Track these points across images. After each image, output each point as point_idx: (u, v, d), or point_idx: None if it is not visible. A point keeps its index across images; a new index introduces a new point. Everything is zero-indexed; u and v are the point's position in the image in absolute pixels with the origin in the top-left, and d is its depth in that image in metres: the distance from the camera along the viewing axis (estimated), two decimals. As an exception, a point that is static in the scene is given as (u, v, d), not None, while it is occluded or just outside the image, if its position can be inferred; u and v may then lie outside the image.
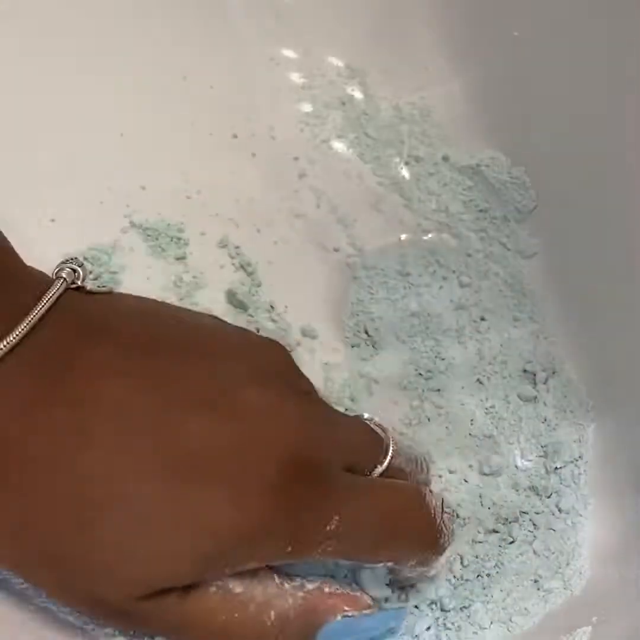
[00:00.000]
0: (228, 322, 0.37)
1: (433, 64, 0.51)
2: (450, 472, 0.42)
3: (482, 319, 0.46)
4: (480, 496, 0.42)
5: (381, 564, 0.34)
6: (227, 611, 0.30)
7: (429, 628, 0.38)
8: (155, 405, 0.29)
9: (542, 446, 0.43)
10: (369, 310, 0.45)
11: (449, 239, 0.48)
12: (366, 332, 0.45)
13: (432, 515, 0.34)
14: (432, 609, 0.39)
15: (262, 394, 0.30)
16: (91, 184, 0.44)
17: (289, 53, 0.52)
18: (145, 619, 0.29)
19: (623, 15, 0.43)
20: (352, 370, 0.44)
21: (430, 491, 0.35)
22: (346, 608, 0.33)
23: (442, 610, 0.39)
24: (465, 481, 0.42)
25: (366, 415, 0.37)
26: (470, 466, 0.42)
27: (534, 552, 0.41)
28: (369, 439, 0.35)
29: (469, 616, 0.39)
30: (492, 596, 0.39)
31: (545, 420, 0.44)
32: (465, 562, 0.40)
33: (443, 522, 0.35)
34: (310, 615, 0.32)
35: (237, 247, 0.45)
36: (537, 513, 0.41)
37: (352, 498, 0.32)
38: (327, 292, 0.46)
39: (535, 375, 0.45)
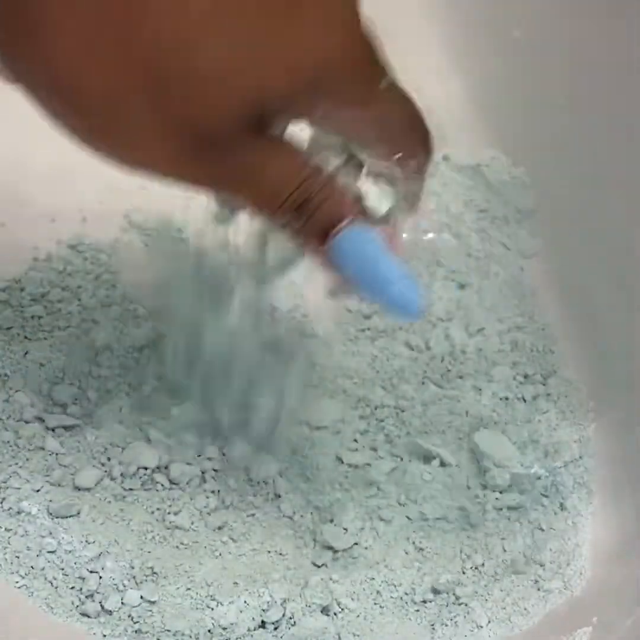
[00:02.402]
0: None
1: (433, 63, 0.51)
2: (451, 471, 0.42)
3: (482, 319, 0.46)
4: (481, 496, 0.42)
5: None
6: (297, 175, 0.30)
7: (421, 622, 0.38)
8: None
9: (542, 446, 0.43)
10: (369, 310, 0.45)
11: (449, 239, 0.48)
12: (367, 330, 0.45)
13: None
14: (425, 604, 0.39)
15: None
16: (91, 183, 0.44)
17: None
18: (222, 154, 0.29)
19: (623, 16, 0.44)
20: (351, 367, 0.44)
21: None
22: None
23: (439, 604, 0.39)
24: (466, 481, 0.42)
25: None
26: (471, 466, 0.42)
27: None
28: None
29: (467, 613, 0.39)
30: (491, 595, 0.39)
31: (545, 420, 0.44)
32: (464, 560, 0.40)
33: None
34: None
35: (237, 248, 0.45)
36: (538, 513, 0.41)
37: None
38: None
39: (535, 375, 0.45)
